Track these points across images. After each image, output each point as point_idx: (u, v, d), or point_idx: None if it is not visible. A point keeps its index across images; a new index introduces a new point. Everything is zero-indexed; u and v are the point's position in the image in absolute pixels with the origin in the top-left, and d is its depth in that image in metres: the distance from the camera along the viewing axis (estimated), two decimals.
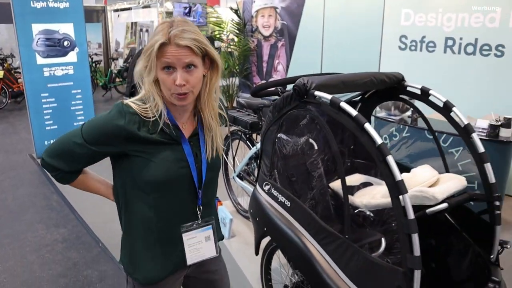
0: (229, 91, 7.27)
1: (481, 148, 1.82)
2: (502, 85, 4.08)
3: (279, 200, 1.86)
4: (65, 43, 5.17)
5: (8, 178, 4.64)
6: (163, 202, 1.30)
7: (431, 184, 1.91)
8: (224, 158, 3.59)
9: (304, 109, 1.76)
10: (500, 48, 4.06)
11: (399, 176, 1.44)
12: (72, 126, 5.34)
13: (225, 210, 3.26)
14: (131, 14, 10.76)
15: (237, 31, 7.06)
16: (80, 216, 3.63)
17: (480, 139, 3.27)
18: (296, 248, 1.74)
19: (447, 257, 2.04)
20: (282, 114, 1.87)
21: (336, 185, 2.19)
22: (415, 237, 1.42)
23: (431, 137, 3.45)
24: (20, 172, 4.82)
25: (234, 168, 3.37)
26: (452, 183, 1.85)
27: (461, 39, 4.35)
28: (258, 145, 2.92)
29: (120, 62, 10.78)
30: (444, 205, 1.73)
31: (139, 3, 10.22)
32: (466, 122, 1.86)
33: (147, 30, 10.14)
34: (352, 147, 2.50)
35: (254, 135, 3.20)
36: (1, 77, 8.43)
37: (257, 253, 2.05)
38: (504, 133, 3.17)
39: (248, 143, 3.14)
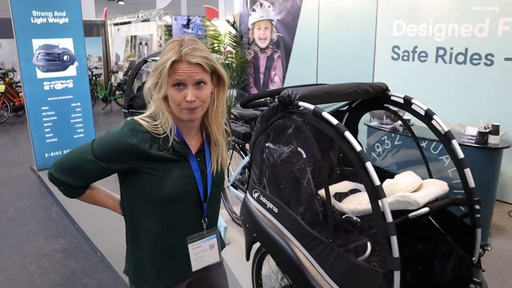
0: (227, 102, 7.38)
1: (461, 154, 1.89)
2: (492, 93, 4.16)
3: (267, 206, 1.94)
4: (65, 57, 5.29)
5: (9, 190, 4.72)
6: (170, 216, 1.34)
7: (414, 189, 1.98)
8: None
9: (289, 119, 1.85)
10: (489, 57, 4.16)
11: (377, 181, 1.51)
12: (72, 139, 5.48)
13: (220, 218, 3.32)
14: (130, 28, 10.94)
15: (234, 44, 7.19)
16: (79, 227, 3.69)
17: (469, 146, 3.37)
18: (284, 252, 1.81)
19: (432, 260, 2.09)
20: (269, 124, 1.95)
21: (324, 192, 2.26)
22: (394, 240, 1.49)
23: (421, 144, 3.53)
24: (21, 184, 4.90)
25: (228, 178, 3.45)
26: (434, 188, 1.92)
27: (451, 48, 4.45)
28: None
29: (120, 75, 10.93)
30: (426, 209, 1.79)
31: (138, 17, 10.39)
32: (446, 130, 1.94)
33: (146, 44, 10.30)
34: (341, 155, 2.58)
35: (247, 145, 3.28)
36: (3, 91, 8.57)
37: (247, 259, 2.11)
38: (493, 140, 3.24)
39: (242, 153, 3.22)
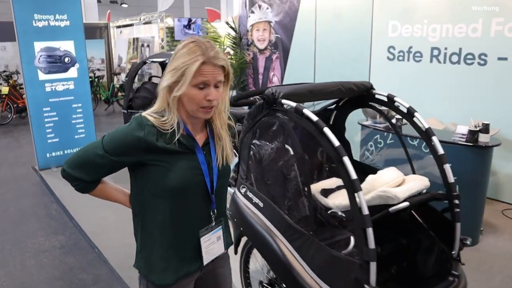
0: None
1: (441, 150, 1.95)
2: (486, 93, 4.21)
3: (253, 201, 2.00)
4: (66, 59, 5.39)
5: (11, 189, 4.82)
6: (179, 208, 1.39)
7: (396, 184, 2.03)
8: None
9: (274, 116, 1.91)
10: (483, 57, 4.20)
11: (354, 175, 1.57)
12: (73, 139, 5.58)
13: None
14: (133, 30, 11.07)
15: (234, 45, 7.27)
16: (78, 224, 3.77)
17: (460, 144, 3.41)
18: (268, 245, 1.87)
19: (416, 254, 2.15)
20: (255, 121, 2.03)
21: (311, 188, 2.32)
22: (370, 231, 1.54)
23: (413, 143, 3.58)
24: (23, 184, 4.99)
25: None
26: (415, 184, 1.98)
27: (445, 49, 4.50)
28: None
29: (123, 77, 11.05)
30: (406, 203, 1.84)
31: (140, 19, 10.51)
32: (427, 127, 2.00)
33: (148, 46, 10.41)
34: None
35: None
36: (6, 93, 8.70)
37: (236, 252, 2.18)
38: (483, 138, 3.28)
39: (234, 151, 3.29)
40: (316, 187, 2.34)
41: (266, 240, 1.89)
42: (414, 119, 2.03)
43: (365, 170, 2.30)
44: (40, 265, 3.12)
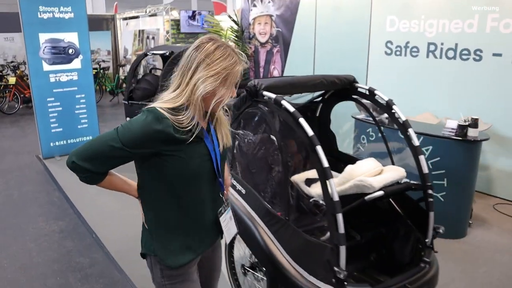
0: None
1: (416, 142, 2.03)
2: (480, 88, 4.24)
3: (236, 188, 2.10)
4: (70, 51, 5.51)
5: (15, 176, 4.97)
6: (191, 193, 1.48)
7: (374, 174, 2.11)
8: None
9: (256, 108, 2.00)
10: (478, 52, 4.24)
11: (326, 163, 1.66)
12: (76, 129, 5.72)
13: None
14: (138, 22, 11.16)
15: (236, 38, 7.34)
16: (77, 211, 3.91)
17: (450, 138, 3.47)
18: (249, 230, 1.97)
19: (393, 242, 2.23)
20: (240, 112, 2.12)
21: (296, 178, 2.42)
22: (340, 217, 1.64)
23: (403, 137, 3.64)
24: (27, 172, 5.15)
25: None
26: (390, 174, 2.06)
27: (442, 44, 4.53)
28: None
29: (128, 69, 11.18)
30: (380, 192, 1.92)
31: (146, 11, 10.60)
32: (404, 119, 2.08)
33: (153, 38, 10.51)
34: None
35: None
36: (13, 83, 8.86)
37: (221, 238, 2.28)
38: (472, 132, 3.33)
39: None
40: (300, 177, 2.43)
41: (247, 225, 1.99)
42: (393, 111, 2.11)
43: (346, 160, 2.39)
44: (40, 248, 3.26)
